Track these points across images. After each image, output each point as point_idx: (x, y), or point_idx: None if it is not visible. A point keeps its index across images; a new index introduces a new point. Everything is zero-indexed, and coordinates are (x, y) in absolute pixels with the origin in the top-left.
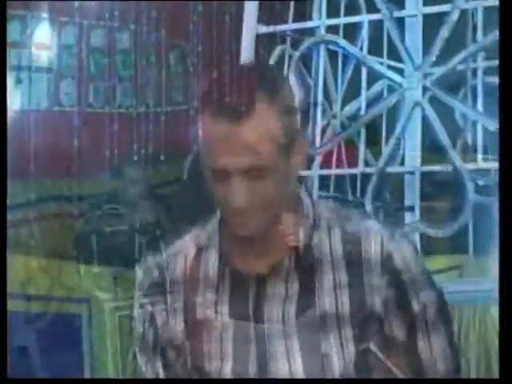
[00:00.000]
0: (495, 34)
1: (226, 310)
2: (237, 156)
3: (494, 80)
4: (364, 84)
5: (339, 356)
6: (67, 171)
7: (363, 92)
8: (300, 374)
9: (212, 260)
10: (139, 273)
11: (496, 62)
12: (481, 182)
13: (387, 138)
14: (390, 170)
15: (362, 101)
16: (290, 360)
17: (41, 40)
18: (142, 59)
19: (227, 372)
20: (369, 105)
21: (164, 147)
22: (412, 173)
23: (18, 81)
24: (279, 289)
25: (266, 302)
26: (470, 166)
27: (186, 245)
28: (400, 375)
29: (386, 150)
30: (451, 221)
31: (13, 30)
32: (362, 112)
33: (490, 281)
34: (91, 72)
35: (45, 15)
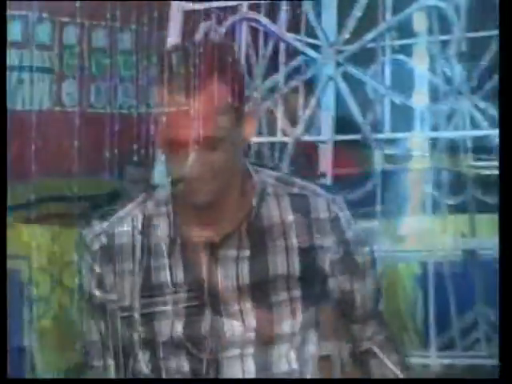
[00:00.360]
0: (403, 15)
1: (180, 274)
2: (191, 128)
3: (401, 57)
4: (283, 59)
5: (288, 315)
6: (68, 171)
7: (282, 66)
8: (252, 332)
9: (162, 228)
10: (87, 238)
11: (403, 42)
12: (388, 151)
13: (303, 109)
14: (305, 138)
15: (280, 74)
16: (243, 319)
17: (42, 40)
18: (143, 59)
19: (178, 331)
20: (287, 78)
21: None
22: (325, 142)
23: (20, 81)
24: (231, 254)
25: (220, 266)
26: (379, 136)
27: (132, 211)
28: (400, 375)
29: (302, 121)
30: (360, 186)
31: (14, 30)
32: (281, 85)
33: (395, 241)
34: (93, 72)
35: (46, 15)
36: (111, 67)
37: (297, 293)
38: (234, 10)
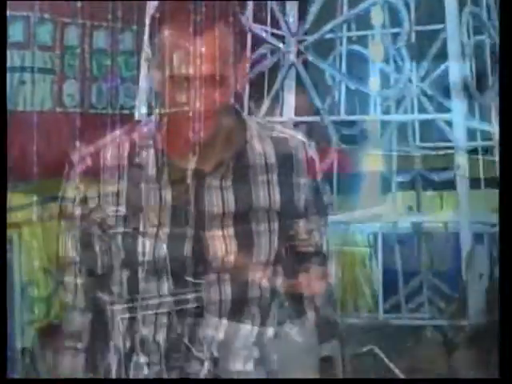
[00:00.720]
0: (358, 9)
1: (168, 197)
2: (200, 64)
3: (356, 47)
4: (249, 47)
5: (266, 245)
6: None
7: (248, 54)
8: (234, 254)
9: (149, 158)
10: (74, 158)
11: (358, 33)
12: (344, 132)
13: (268, 92)
14: (269, 119)
15: (248, 61)
16: (226, 243)
17: (43, 41)
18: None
19: (162, 252)
20: (253, 64)
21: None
22: (286, 122)
23: (21, 82)
24: (217, 183)
25: (206, 193)
26: (335, 118)
27: (118, 138)
28: (401, 375)
29: (266, 102)
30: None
31: (16, 31)
32: (247, 70)
33: (351, 214)
34: (94, 73)
35: (48, 16)
36: (112, 68)
37: (275, 225)
38: None
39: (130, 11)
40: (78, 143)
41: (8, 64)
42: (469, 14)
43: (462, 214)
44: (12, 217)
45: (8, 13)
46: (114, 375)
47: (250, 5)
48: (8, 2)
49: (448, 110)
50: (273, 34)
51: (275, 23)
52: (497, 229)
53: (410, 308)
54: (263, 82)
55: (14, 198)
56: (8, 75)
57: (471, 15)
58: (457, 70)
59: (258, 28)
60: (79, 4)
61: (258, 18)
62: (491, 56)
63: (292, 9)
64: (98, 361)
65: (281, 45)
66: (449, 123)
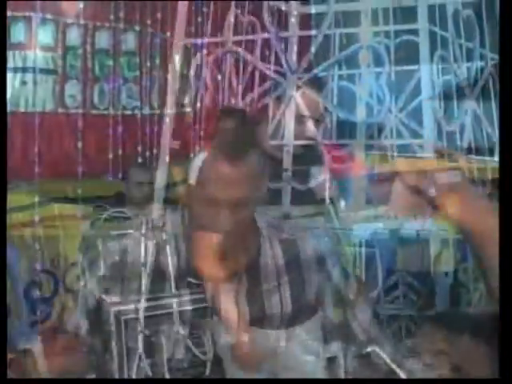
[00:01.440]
0: (347, 51)
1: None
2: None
3: (345, 83)
4: (257, 82)
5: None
6: (71, 173)
7: (256, 88)
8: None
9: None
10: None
11: (347, 71)
12: (336, 154)
13: (272, 120)
14: (272, 142)
15: (255, 94)
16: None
17: (45, 41)
18: (146, 61)
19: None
20: (260, 97)
21: (169, 149)
22: (287, 145)
23: (23, 82)
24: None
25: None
26: (327, 141)
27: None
28: (403, 375)
29: (270, 128)
30: (313, 178)
31: (18, 32)
32: (255, 101)
33: (341, 222)
34: (96, 73)
35: (50, 16)
36: (114, 68)
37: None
38: (221, 44)
39: (132, 12)
40: (80, 144)
41: (10, 64)
42: (439, 58)
43: (431, 222)
44: (13, 217)
45: (10, 13)
46: (115, 375)
47: (258, 46)
48: (10, 3)
49: (421, 136)
50: (276, 71)
51: (278, 62)
52: (460, 236)
53: (387, 300)
54: (267, 112)
55: (15, 199)
56: (10, 76)
57: (440, 58)
58: (428, 103)
59: (264, 66)
60: (81, 4)
61: (264, 58)
62: (457, 92)
63: (292, 51)
64: (99, 361)
65: (283, 80)
66: (421, 147)
